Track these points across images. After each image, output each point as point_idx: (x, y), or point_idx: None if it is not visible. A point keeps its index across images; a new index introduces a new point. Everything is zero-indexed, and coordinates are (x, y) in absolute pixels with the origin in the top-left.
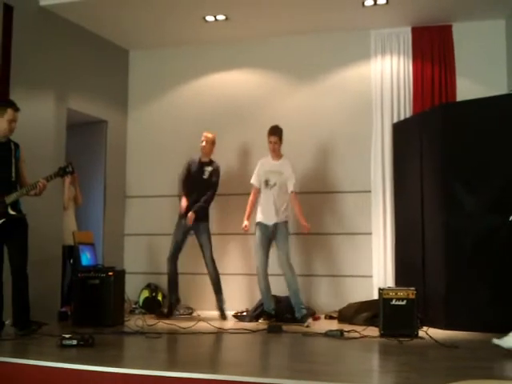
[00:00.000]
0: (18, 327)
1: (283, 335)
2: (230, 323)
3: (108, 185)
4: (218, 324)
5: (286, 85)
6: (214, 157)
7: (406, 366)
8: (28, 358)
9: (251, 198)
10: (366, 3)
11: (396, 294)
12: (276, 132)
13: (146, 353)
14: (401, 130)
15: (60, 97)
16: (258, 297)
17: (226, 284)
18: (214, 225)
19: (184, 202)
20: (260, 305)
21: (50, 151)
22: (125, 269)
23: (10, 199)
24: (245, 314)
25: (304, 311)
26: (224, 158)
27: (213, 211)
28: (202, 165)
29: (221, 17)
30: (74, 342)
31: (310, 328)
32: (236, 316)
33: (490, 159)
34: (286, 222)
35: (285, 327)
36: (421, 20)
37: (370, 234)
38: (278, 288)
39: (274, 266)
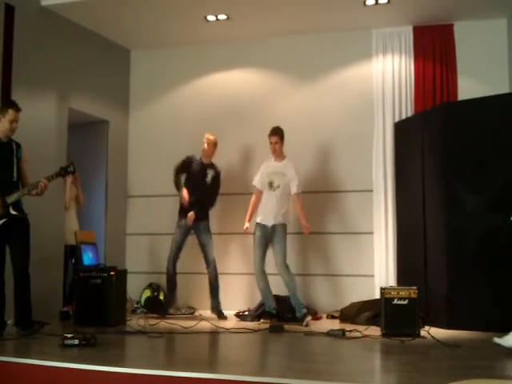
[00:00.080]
0: (20, 327)
1: (285, 335)
2: (232, 323)
3: (110, 184)
4: (219, 323)
5: (288, 84)
6: (214, 156)
7: (407, 365)
8: (30, 358)
9: (253, 200)
10: (367, 2)
11: (398, 293)
12: (276, 132)
13: (148, 352)
14: (402, 130)
15: (61, 97)
16: (259, 296)
17: (228, 283)
18: (215, 224)
19: (186, 193)
20: (262, 304)
21: (52, 151)
22: (126, 268)
23: (11, 199)
24: (246, 313)
25: (304, 310)
26: (225, 158)
27: (214, 211)
28: (204, 167)
29: (222, 16)
30: (76, 342)
31: (310, 327)
32: (238, 315)
33: (492, 158)
34: (284, 225)
35: (286, 327)
36: (422, 19)
37: (372, 233)
38: (279, 288)
39: (272, 266)
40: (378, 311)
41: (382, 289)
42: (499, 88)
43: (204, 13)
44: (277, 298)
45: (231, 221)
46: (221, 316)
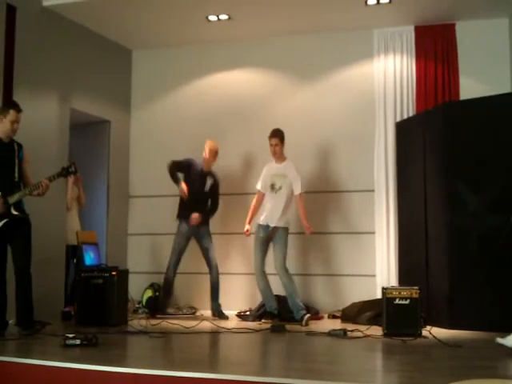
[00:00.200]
0: (22, 327)
1: (286, 335)
2: (233, 323)
3: (111, 184)
4: (221, 323)
5: (289, 84)
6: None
7: (409, 365)
8: (32, 358)
9: (254, 202)
10: (368, 2)
11: (399, 293)
12: (277, 134)
13: (149, 352)
14: (404, 129)
15: (63, 97)
16: (260, 296)
17: (229, 284)
18: (216, 224)
19: (185, 186)
20: (263, 304)
21: (53, 151)
22: (128, 268)
23: (12, 199)
24: (248, 313)
25: (302, 312)
26: (226, 158)
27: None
28: (203, 175)
29: (224, 16)
30: (78, 342)
31: (311, 327)
32: (239, 315)
33: (493, 158)
34: (286, 229)
35: (288, 326)
36: (424, 19)
37: (374, 233)
38: (281, 288)
39: (273, 266)
40: (379, 311)
41: (383, 289)
42: (501, 88)
43: (205, 13)
44: (278, 298)
45: (232, 221)
46: (222, 316)
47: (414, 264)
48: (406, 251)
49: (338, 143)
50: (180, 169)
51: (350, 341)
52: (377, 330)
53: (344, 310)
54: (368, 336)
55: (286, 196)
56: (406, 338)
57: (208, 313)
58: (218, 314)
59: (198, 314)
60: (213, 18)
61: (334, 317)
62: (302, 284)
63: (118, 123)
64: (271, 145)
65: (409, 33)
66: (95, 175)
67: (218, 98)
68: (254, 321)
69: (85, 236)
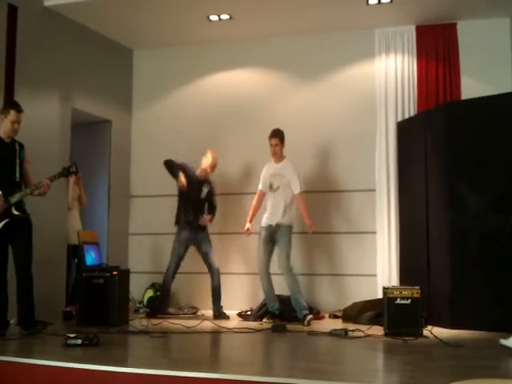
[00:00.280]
0: (23, 327)
1: (287, 334)
2: (235, 322)
3: (112, 184)
4: (222, 323)
5: (290, 84)
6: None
7: (410, 365)
8: (33, 358)
9: (254, 201)
10: (370, 2)
11: (400, 293)
12: (277, 134)
13: (151, 352)
14: (405, 129)
15: (64, 97)
16: (261, 296)
17: (230, 283)
18: (216, 225)
19: (184, 178)
20: (264, 304)
21: (55, 151)
22: (129, 268)
23: (13, 199)
24: (249, 313)
25: (304, 312)
26: (227, 157)
27: (217, 210)
28: (199, 183)
29: (225, 16)
30: (79, 342)
31: (312, 327)
32: (240, 315)
33: (495, 158)
34: (289, 227)
35: (289, 326)
36: (425, 18)
37: (375, 233)
38: (282, 287)
39: (276, 265)
40: (380, 311)
41: (384, 288)
42: (502, 87)
43: (206, 12)
44: (279, 297)
45: (233, 221)
46: (223, 316)
47: (415, 264)
48: (408, 251)
49: (338, 143)
50: (180, 170)
51: (351, 341)
52: (378, 330)
53: (345, 310)
54: (369, 336)
55: (285, 195)
56: (407, 338)
57: (209, 312)
58: (220, 315)
59: (199, 313)
60: (214, 17)
61: (335, 316)
62: (303, 284)
63: (119, 123)
64: (271, 145)
65: (410, 32)
66: (96, 175)
67: (219, 98)
68: (255, 320)
69: (86, 236)
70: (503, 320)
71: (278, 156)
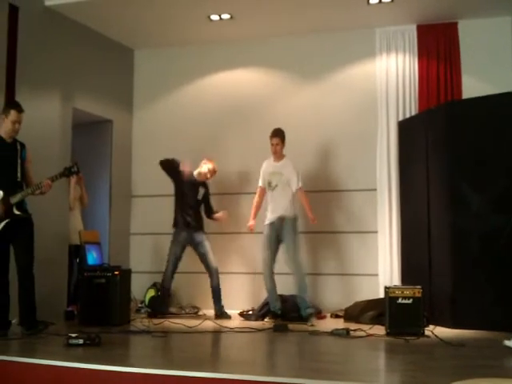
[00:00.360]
0: (25, 326)
1: (289, 334)
2: (236, 322)
3: (114, 184)
4: (223, 323)
5: (291, 84)
6: (216, 157)
7: (412, 364)
8: (35, 358)
9: (256, 198)
10: (371, 1)
11: (402, 292)
12: (278, 134)
13: (153, 352)
14: (406, 128)
15: (65, 96)
16: (263, 296)
17: (231, 283)
18: (216, 224)
19: (187, 166)
20: (266, 304)
21: (56, 151)
22: (131, 268)
23: (15, 199)
24: (250, 312)
25: (309, 310)
26: (228, 157)
27: (217, 210)
28: (196, 185)
29: (225, 16)
30: (81, 341)
31: (315, 327)
32: (242, 315)
33: (496, 157)
34: (294, 219)
35: (291, 326)
36: (426, 18)
37: (376, 232)
38: (284, 287)
39: (278, 264)
40: (382, 310)
41: (386, 288)
42: (503, 86)
43: (207, 12)
44: (281, 297)
45: (233, 220)
46: (225, 316)
47: (417, 263)
48: (409, 250)
49: (339, 142)
50: (172, 167)
51: (352, 340)
52: (379, 330)
53: (347, 310)
54: (371, 335)
55: (283, 193)
56: (409, 338)
57: (211, 312)
58: (221, 314)
59: (200, 313)
60: (215, 17)
61: (337, 316)
62: None
63: (121, 123)
64: (272, 144)
65: (411, 32)
66: (97, 175)
67: (220, 98)
68: (256, 320)
69: (87, 235)
70: (504, 320)
71: (279, 155)
